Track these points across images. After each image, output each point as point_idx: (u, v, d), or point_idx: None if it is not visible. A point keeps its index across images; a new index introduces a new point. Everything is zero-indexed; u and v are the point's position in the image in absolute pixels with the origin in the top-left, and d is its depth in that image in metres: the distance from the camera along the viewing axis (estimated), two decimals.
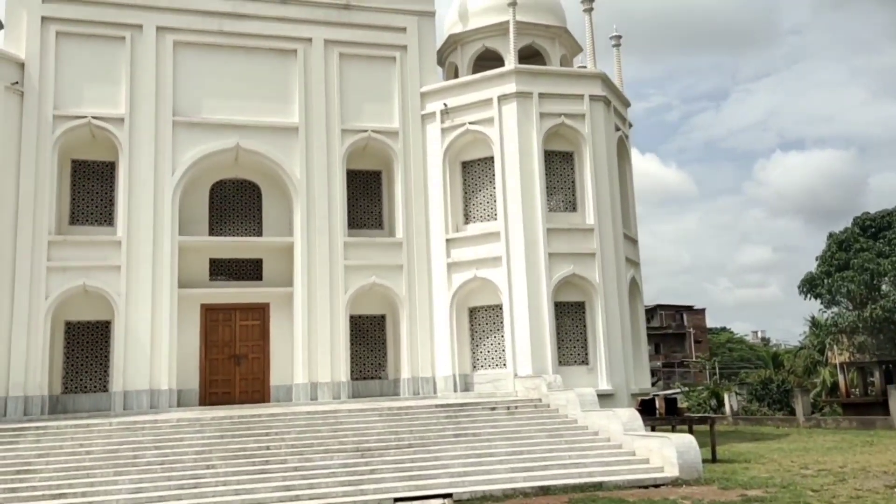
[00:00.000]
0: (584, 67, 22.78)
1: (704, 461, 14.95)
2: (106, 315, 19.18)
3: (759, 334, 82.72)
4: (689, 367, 65.55)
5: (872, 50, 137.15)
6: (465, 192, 21.49)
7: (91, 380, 19.39)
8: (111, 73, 19.71)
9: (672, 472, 13.25)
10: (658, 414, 18.01)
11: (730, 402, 31.83)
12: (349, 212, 21.44)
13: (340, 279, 20.40)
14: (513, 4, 21.66)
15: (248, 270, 21.00)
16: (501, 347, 20.27)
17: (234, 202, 21.26)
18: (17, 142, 18.71)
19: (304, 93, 20.98)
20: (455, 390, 20.16)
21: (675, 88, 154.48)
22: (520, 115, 20.67)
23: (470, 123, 21.09)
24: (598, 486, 12.73)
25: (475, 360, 20.73)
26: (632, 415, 15.37)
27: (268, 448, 14.22)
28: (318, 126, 20.91)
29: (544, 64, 23.21)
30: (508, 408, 17.17)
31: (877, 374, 28.15)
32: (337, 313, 20.20)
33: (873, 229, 30.59)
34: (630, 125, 24.53)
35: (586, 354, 20.39)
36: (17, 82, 18.87)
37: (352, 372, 20.72)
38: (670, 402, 18.71)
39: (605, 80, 21.95)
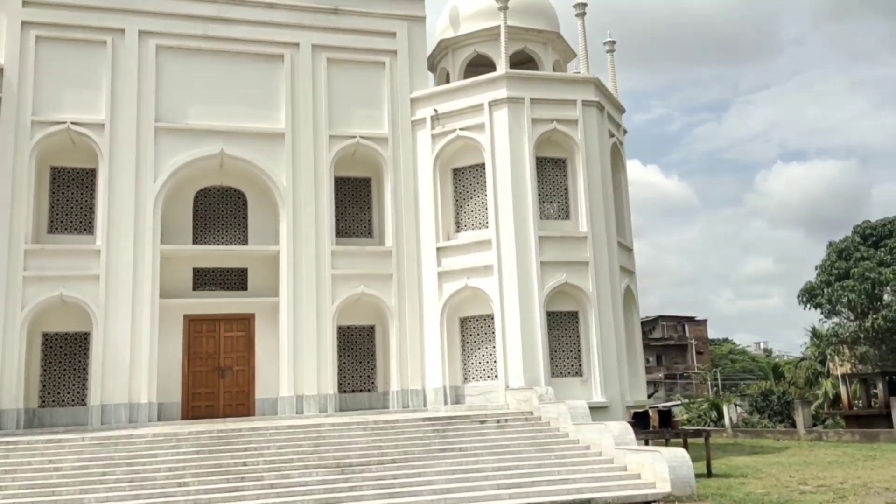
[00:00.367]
0: (578, 73, 22.33)
1: (699, 476, 14.39)
2: (85, 326, 18.65)
3: (762, 345, 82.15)
4: (690, 379, 64.92)
5: (874, 60, 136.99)
6: (457, 200, 20.99)
7: (69, 393, 18.84)
8: (92, 78, 19.26)
9: (664, 487, 12.68)
10: (651, 427, 17.42)
11: (729, 414, 31.21)
12: (337, 220, 20.94)
13: (328, 289, 19.87)
14: (504, 9, 21.23)
15: (233, 280, 20.49)
16: (493, 358, 19.71)
17: (219, 210, 20.77)
18: None
19: (290, 98, 20.52)
20: (445, 403, 19.59)
21: (677, 99, 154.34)
22: (511, 121, 20.19)
23: (461, 130, 20.63)
24: (587, 502, 12.15)
25: (466, 371, 20.16)
26: (624, 428, 14.80)
27: (245, 464, 13.67)
28: (305, 132, 20.44)
29: (537, 70, 22.75)
30: (498, 421, 16.61)
31: (880, 385, 27.54)
32: (324, 324, 19.66)
33: (874, 238, 30.04)
34: (625, 131, 24.07)
35: (580, 365, 19.83)
36: None
37: (339, 384, 20.16)
38: (664, 415, 18.13)
39: (598, 86, 21.49)
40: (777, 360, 50.78)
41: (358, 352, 20.97)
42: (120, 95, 19.29)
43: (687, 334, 74.59)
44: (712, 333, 78.56)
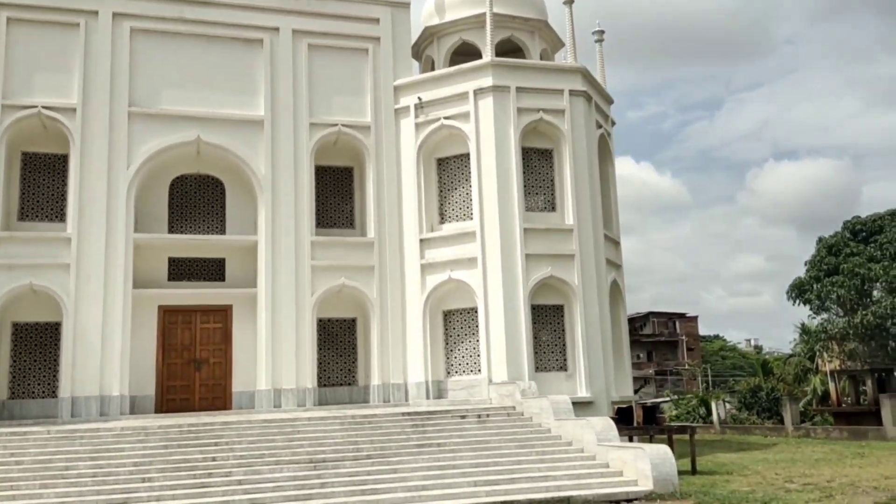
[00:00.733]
0: (566, 62, 21.87)
1: (683, 473, 14.01)
2: (56, 316, 18.10)
3: (752, 342, 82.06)
4: (680, 375, 64.68)
5: (867, 59, 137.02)
6: (441, 191, 20.52)
7: (39, 385, 18.30)
8: (64, 62, 18.68)
9: (646, 485, 12.27)
10: (636, 423, 17.02)
11: (717, 410, 30.87)
12: (318, 210, 20.43)
13: (307, 280, 19.37)
14: None
15: (210, 271, 19.96)
16: (476, 352, 19.27)
17: (196, 199, 20.23)
18: None
19: (270, 85, 19.99)
20: (428, 397, 19.14)
21: (670, 97, 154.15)
22: (496, 110, 19.72)
23: (445, 118, 20.15)
24: (567, 500, 11.74)
25: (449, 365, 19.72)
26: (606, 424, 14.39)
27: (213, 459, 13.18)
28: (284, 120, 19.91)
29: (524, 58, 22.28)
30: (479, 416, 16.17)
31: (869, 382, 27.22)
32: (303, 316, 19.17)
33: (864, 234, 29.71)
34: (613, 123, 23.63)
35: (565, 360, 19.41)
36: None
37: (319, 378, 19.67)
38: (649, 411, 17.73)
39: (585, 75, 21.04)
40: (767, 356, 50.56)
41: (338, 345, 20.48)
42: (93, 79, 18.73)
43: (678, 331, 74.33)
44: (703, 330, 78.33)
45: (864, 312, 26.97)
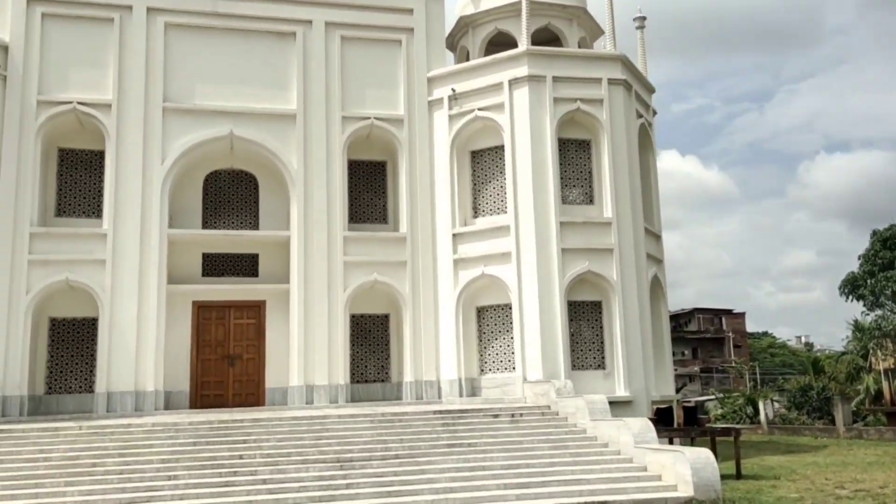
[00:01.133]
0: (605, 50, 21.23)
1: (727, 477, 13.41)
2: (92, 312, 18.18)
3: (803, 339, 79.93)
4: (727, 373, 63.23)
5: None
6: (474, 184, 20.10)
7: (76, 380, 18.42)
8: (99, 57, 18.73)
9: (686, 490, 11.71)
10: (676, 424, 16.39)
11: (765, 410, 29.87)
12: (350, 204, 20.20)
13: (339, 276, 19.15)
14: None
15: (244, 266, 19.87)
16: (511, 350, 18.84)
17: (230, 194, 20.16)
18: (0, 127, 17.80)
19: (302, 78, 19.79)
20: (461, 395, 18.77)
21: (717, 89, 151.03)
22: (532, 101, 19.22)
23: (479, 110, 19.72)
24: None
25: (483, 362, 19.32)
26: (644, 425, 13.82)
27: (241, 457, 13.00)
28: (317, 113, 19.70)
29: (561, 47, 21.69)
30: (513, 415, 15.74)
31: None
32: (335, 312, 18.96)
33: None
34: (654, 112, 22.90)
35: (602, 358, 18.86)
36: None
37: (352, 374, 19.46)
38: (690, 412, 17.07)
39: (625, 63, 20.38)
40: (818, 354, 49.01)
41: (371, 341, 20.23)
42: (127, 75, 18.75)
43: (724, 327, 72.73)
44: (751, 327, 76.57)
45: None
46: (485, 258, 19.07)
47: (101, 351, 17.66)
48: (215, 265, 19.69)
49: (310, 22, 20.11)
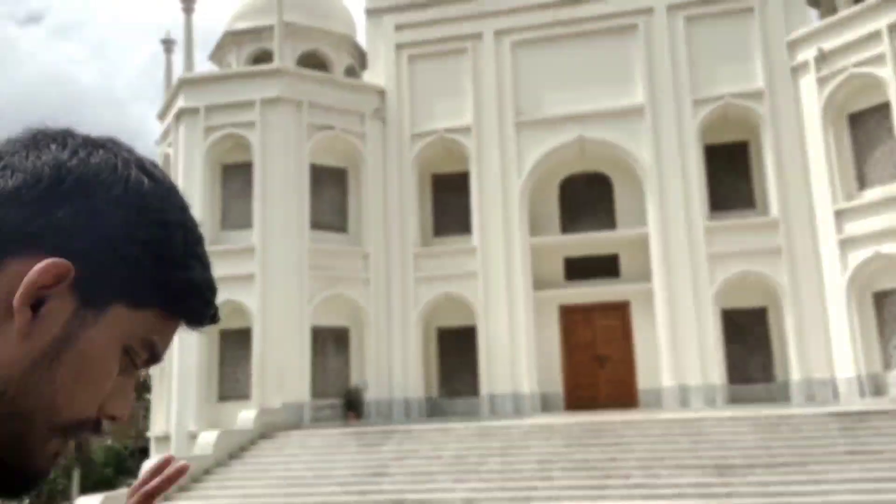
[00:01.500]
0: None
1: None
2: (470, 320, 19.62)
3: None
4: None
5: None
6: (856, 152, 17.53)
7: (462, 384, 19.98)
8: (457, 86, 20.26)
9: None
10: None
11: None
12: (710, 192, 18.98)
13: (704, 269, 18.08)
14: None
15: (604, 267, 19.79)
16: None
17: (585, 197, 20.29)
18: (383, 162, 20.18)
19: (647, 68, 19.19)
20: (862, 395, 16.40)
21: None
22: None
23: (853, 67, 17.18)
24: None
25: (888, 357, 16.66)
26: None
27: (613, 460, 12.86)
28: (665, 102, 18.93)
29: None
30: None
31: None
32: (703, 308, 17.92)
33: None
34: None
35: None
36: (379, 108, 20.41)
37: (729, 374, 18.18)
38: None
39: None
40: None
41: (748, 337, 18.68)
42: (482, 97, 19.99)
43: None
44: None
45: None
46: (878, 235, 16.48)
47: (481, 356, 18.94)
48: (577, 269, 19.93)
49: (651, 10, 19.45)
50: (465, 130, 19.99)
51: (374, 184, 19.96)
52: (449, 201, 20.95)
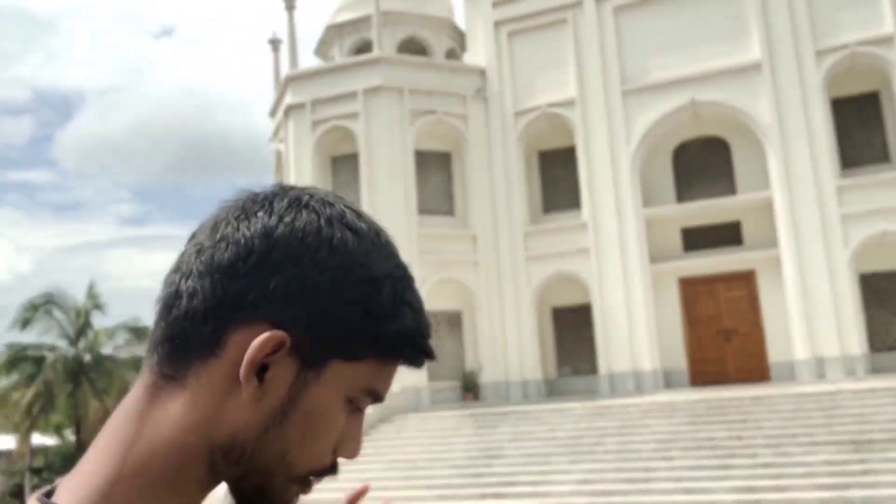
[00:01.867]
0: None
1: None
2: (584, 298, 19.15)
3: None
4: None
5: None
6: None
7: (581, 363, 19.58)
8: (558, 58, 19.71)
9: None
10: None
11: None
12: (841, 148, 17.60)
13: (837, 231, 16.79)
14: None
15: (725, 236, 18.77)
16: None
17: (700, 163, 19.29)
18: (487, 143, 19.97)
19: (762, 20, 17.93)
20: None
21: None
22: None
23: None
24: None
25: None
26: None
27: (739, 438, 12.19)
28: (785, 55, 17.66)
29: None
30: None
31: None
32: (837, 273, 16.66)
33: None
34: None
35: None
36: (480, 89, 20.19)
37: (871, 343, 16.86)
38: None
39: None
40: None
41: (888, 303, 17.23)
42: (585, 68, 19.37)
43: None
44: None
45: None
46: None
47: (598, 334, 18.46)
48: (696, 239, 19.01)
49: None
50: (569, 103, 19.45)
51: (479, 165, 19.79)
52: (556, 177, 20.50)
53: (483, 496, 11.65)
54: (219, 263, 0.68)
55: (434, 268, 18.53)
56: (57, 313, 26.16)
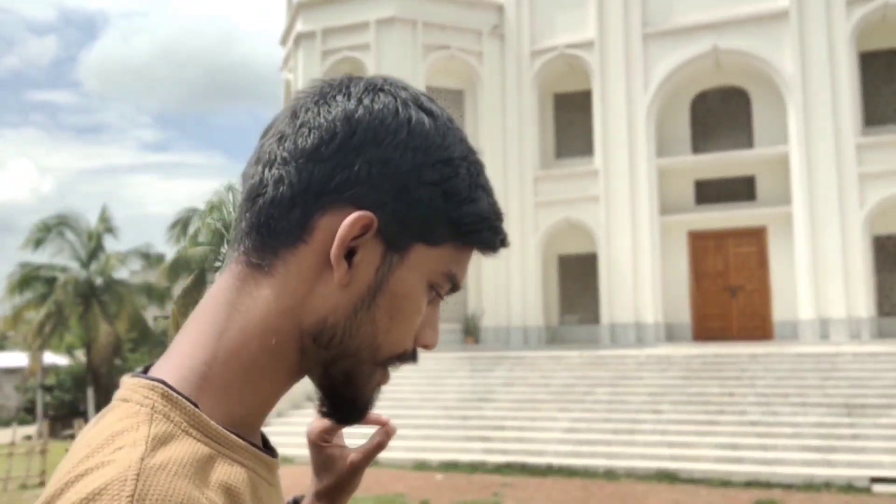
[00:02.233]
0: None
1: None
2: (591, 247, 18.91)
3: None
4: None
5: None
6: None
7: (584, 312, 19.45)
8: None
9: None
10: None
11: None
12: (865, 105, 17.01)
13: (854, 191, 16.32)
14: None
15: (739, 190, 18.34)
16: None
17: (719, 114, 18.75)
18: (502, 82, 19.48)
19: None
20: None
21: None
22: None
23: None
24: None
25: None
26: None
27: (731, 395, 12.06)
28: (813, 4, 16.89)
29: None
30: None
31: None
32: (851, 234, 16.26)
33: None
34: None
35: None
36: (497, 25, 19.61)
37: (879, 306, 16.57)
38: None
39: None
40: None
41: None
42: (605, 8, 18.69)
43: None
44: None
45: None
46: None
47: (602, 284, 18.26)
48: (708, 192, 18.60)
49: None
50: (588, 45, 18.85)
51: (492, 105, 19.35)
52: (571, 121, 20.04)
53: (468, 438, 11.68)
54: (302, 149, 0.68)
55: None
56: (69, 235, 26.35)
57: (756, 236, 18.03)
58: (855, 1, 16.58)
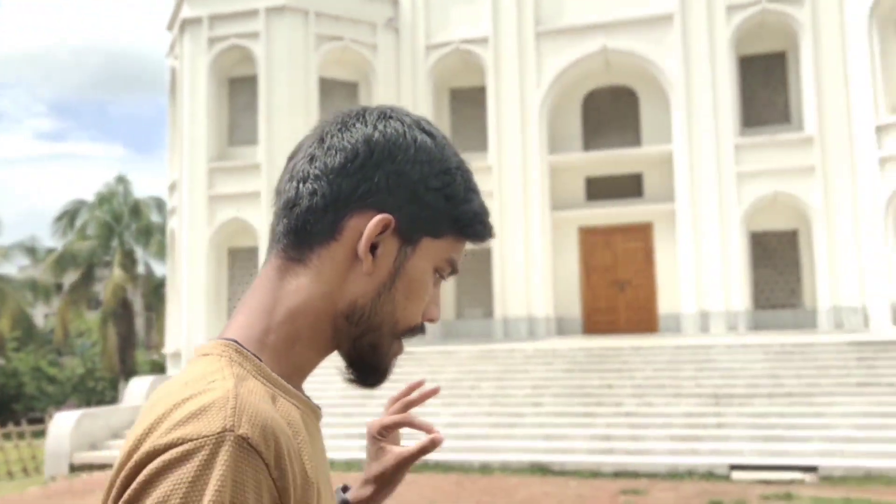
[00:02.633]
0: None
1: None
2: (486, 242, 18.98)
3: None
4: None
5: None
6: None
7: (480, 307, 19.54)
8: None
9: None
10: None
11: None
12: (744, 107, 17.72)
13: (732, 190, 16.99)
14: None
15: (627, 187, 18.83)
16: None
17: (609, 112, 19.18)
18: (396, 75, 19.34)
19: None
20: None
21: None
22: None
23: None
24: None
25: None
26: None
27: (609, 387, 12.33)
28: (696, 8, 17.50)
29: None
30: None
31: None
32: (729, 230, 16.93)
33: None
34: None
35: None
36: (392, 18, 19.45)
37: (754, 300, 17.31)
38: None
39: None
40: None
41: (776, 262, 17.68)
42: (500, 4, 18.82)
43: None
44: None
45: None
46: None
47: (495, 279, 18.40)
48: (598, 188, 19.01)
49: None
50: (483, 41, 18.93)
51: (387, 98, 19.14)
52: (466, 117, 20.09)
53: (349, 436, 11.52)
54: (331, 167, 0.85)
55: None
56: None
57: (643, 232, 18.55)
58: (735, 6, 17.25)
